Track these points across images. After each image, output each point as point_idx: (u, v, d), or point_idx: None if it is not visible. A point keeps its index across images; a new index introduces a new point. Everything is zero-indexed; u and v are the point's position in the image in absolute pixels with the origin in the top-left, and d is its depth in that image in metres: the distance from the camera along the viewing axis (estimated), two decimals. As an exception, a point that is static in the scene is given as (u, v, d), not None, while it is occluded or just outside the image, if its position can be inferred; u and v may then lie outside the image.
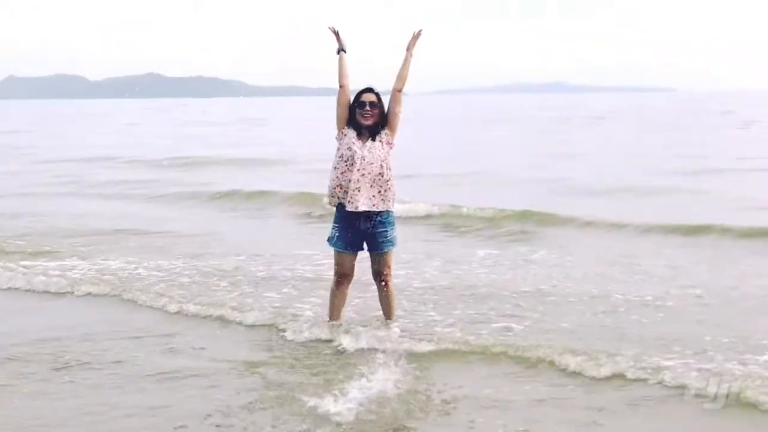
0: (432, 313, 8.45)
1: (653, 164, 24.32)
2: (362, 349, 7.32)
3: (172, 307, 8.95)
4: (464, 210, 15.04)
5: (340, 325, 7.95)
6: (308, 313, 8.51)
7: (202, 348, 7.61)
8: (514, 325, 7.95)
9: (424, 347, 7.37)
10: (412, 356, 7.14)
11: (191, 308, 8.88)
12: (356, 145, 7.62)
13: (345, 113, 7.76)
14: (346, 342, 7.50)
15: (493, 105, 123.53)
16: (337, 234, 7.83)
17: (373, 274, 8.02)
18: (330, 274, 8.10)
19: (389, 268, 7.93)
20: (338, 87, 7.79)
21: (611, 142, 34.74)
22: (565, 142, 34.69)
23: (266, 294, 9.42)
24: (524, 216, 14.30)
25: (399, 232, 7.91)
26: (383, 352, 7.18)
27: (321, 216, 15.10)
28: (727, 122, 53.40)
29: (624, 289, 9.20)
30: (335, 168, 7.70)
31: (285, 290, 9.57)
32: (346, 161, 7.62)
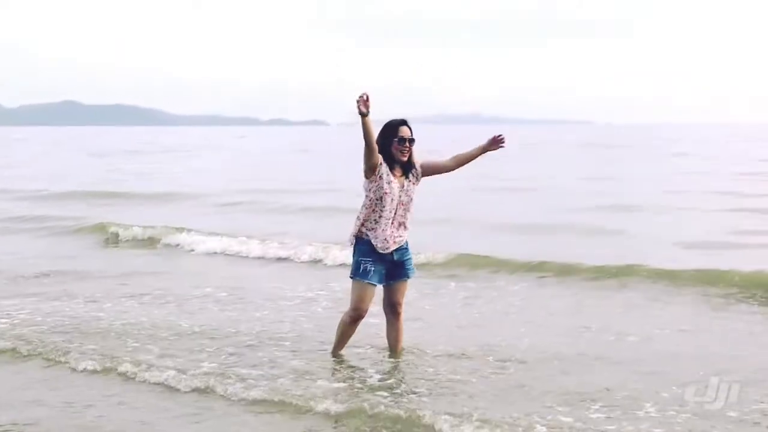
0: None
1: (562, 200, 24.29)
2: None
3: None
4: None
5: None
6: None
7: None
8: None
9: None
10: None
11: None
12: (394, 187, 7.48)
13: (377, 165, 7.46)
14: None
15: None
16: (372, 268, 7.54)
17: (387, 306, 7.88)
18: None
19: (404, 297, 7.87)
20: (368, 148, 7.38)
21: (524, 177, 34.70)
22: (482, 176, 34.67)
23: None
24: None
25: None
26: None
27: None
28: (642, 155, 54.35)
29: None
30: (367, 208, 7.53)
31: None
32: (379, 200, 7.47)
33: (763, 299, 10.55)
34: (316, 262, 14.02)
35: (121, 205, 24.14)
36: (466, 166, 7.84)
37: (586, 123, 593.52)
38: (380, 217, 7.51)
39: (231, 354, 8.29)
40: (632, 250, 14.54)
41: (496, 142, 7.63)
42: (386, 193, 7.46)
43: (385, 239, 7.52)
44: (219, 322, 9.67)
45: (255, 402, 6.94)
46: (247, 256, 14.89)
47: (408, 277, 7.81)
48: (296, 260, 14.21)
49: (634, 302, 10.79)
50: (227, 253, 15.28)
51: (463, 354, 8.16)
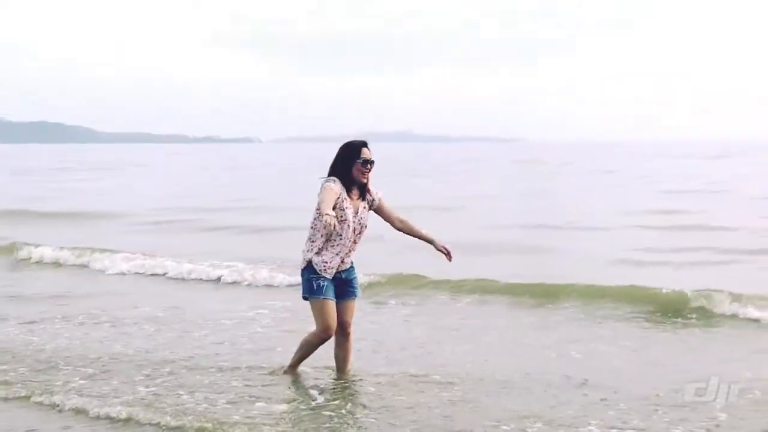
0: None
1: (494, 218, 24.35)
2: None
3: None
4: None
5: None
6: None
7: None
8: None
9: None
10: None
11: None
12: (349, 214, 7.36)
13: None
14: None
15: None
16: (325, 284, 7.41)
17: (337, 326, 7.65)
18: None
19: (353, 317, 7.74)
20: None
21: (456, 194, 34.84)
22: (413, 194, 34.74)
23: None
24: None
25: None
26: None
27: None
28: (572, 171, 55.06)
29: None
30: (323, 236, 7.37)
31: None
32: (339, 232, 7.34)
33: (690, 316, 10.70)
34: (238, 283, 13.77)
35: (40, 225, 23.44)
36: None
37: (519, 140, 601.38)
38: (336, 244, 7.41)
39: (168, 377, 8.04)
40: (564, 267, 14.70)
41: (445, 253, 7.64)
42: (343, 220, 7.35)
43: (337, 265, 7.46)
44: (155, 344, 9.46)
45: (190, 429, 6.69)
46: (180, 277, 14.43)
47: (355, 296, 7.72)
48: (228, 280, 13.89)
49: (573, 319, 10.84)
50: (152, 273, 14.85)
51: (407, 374, 8.06)
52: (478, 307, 11.67)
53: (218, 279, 13.99)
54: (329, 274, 7.43)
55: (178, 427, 6.67)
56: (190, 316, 11.04)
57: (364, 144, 7.49)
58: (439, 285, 12.78)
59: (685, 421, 6.68)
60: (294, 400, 7.36)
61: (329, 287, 7.46)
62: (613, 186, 39.93)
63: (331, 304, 7.50)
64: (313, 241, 7.45)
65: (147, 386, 7.74)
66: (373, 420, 6.82)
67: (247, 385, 7.72)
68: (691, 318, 10.63)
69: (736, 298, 10.80)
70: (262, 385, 7.74)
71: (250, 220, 24.18)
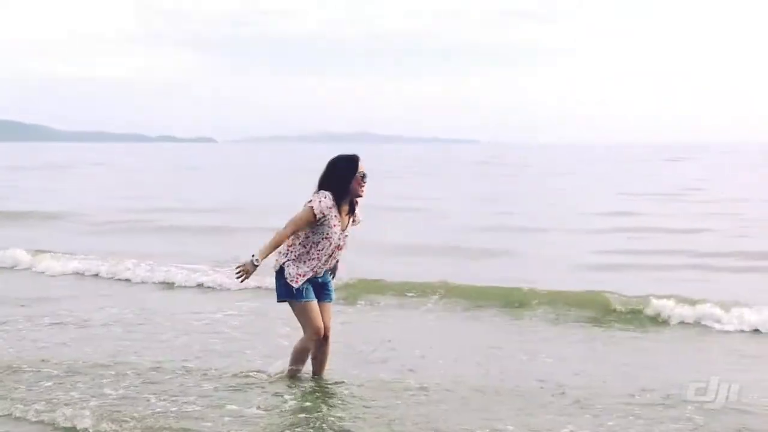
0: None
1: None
2: None
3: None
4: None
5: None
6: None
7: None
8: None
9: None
10: None
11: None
12: (336, 232, 7.29)
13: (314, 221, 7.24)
14: None
15: (301, 154, 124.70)
16: (305, 286, 7.35)
17: None
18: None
19: (331, 320, 7.71)
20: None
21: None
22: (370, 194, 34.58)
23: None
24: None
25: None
26: None
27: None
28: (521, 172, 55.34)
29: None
30: (303, 246, 7.30)
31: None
32: (316, 244, 7.30)
33: (648, 321, 10.82)
34: (201, 286, 13.52)
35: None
36: None
37: (473, 142, 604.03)
38: (314, 258, 7.36)
39: (136, 380, 7.87)
40: (524, 270, 14.67)
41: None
42: (327, 237, 7.30)
43: (311, 276, 7.39)
44: (122, 347, 9.29)
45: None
46: (141, 281, 14.02)
47: (331, 300, 7.67)
48: (193, 283, 13.59)
49: (540, 322, 10.87)
50: (105, 275, 14.45)
51: (379, 378, 8.00)
52: (444, 311, 11.58)
53: (184, 282, 13.67)
54: (299, 284, 7.36)
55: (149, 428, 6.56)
56: (157, 319, 10.86)
57: (359, 158, 7.43)
58: (402, 288, 12.64)
59: (661, 424, 6.70)
60: (266, 403, 7.24)
61: (309, 289, 7.40)
62: (568, 188, 40.33)
63: (316, 306, 7.46)
64: (290, 246, 7.36)
65: (115, 390, 7.57)
66: (348, 424, 6.76)
67: (216, 389, 7.61)
68: (655, 322, 10.72)
69: (688, 302, 10.92)
70: (234, 389, 7.62)
71: (207, 220, 23.89)
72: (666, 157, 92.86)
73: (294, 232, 7.22)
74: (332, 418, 6.86)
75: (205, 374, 8.07)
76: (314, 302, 7.45)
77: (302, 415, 6.90)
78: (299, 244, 7.31)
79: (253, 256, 7.09)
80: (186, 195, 35.17)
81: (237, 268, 7.20)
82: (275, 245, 7.20)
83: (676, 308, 10.78)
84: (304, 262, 7.32)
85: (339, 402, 7.32)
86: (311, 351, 7.68)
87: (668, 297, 11.05)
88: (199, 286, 13.48)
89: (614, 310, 11.10)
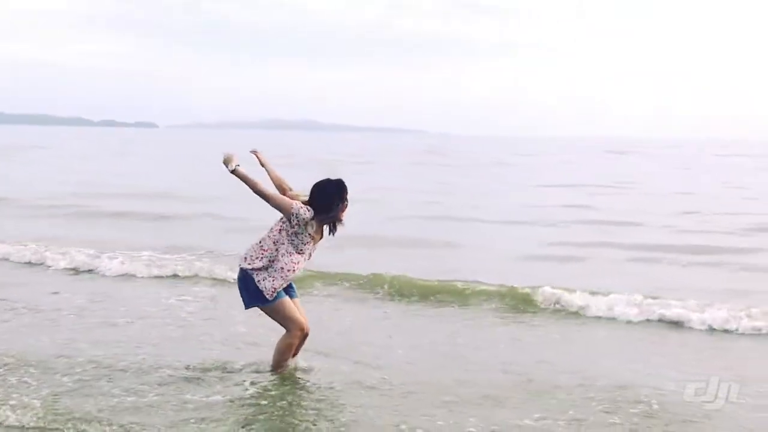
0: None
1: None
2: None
3: None
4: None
5: None
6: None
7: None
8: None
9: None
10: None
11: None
12: (309, 248, 7.41)
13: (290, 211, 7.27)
14: None
15: (245, 141, 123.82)
16: (276, 284, 7.36)
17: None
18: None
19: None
20: (262, 197, 7.27)
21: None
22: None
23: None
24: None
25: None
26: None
27: None
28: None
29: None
30: (282, 254, 7.31)
31: None
32: (290, 254, 7.32)
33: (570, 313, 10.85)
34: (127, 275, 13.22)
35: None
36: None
37: (420, 132, 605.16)
38: (288, 270, 7.35)
39: (89, 370, 7.72)
40: (467, 262, 14.77)
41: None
42: (301, 252, 7.38)
43: (282, 282, 7.38)
44: (77, 334, 9.16)
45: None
46: (87, 268, 13.59)
47: (297, 296, 7.70)
48: (142, 272, 13.22)
49: (487, 313, 10.87)
50: (50, 262, 14.02)
51: (340, 369, 7.98)
52: (391, 302, 11.54)
53: (136, 270, 13.30)
54: (273, 296, 7.39)
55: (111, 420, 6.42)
56: (110, 306, 10.72)
57: (345, 184, 7.51)
58: (340, 278, 12.55)
59: (620, 409, 6.83)
60: (223, 392, 7.16)
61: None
62: (505, 179, 40.86)
63: (290, 301, 7.51)
64: (264, 249, 7.35)
65: (70, 377, 7.46)
66: (311, 412, 6.76)
67: (173, 377, 7.54)
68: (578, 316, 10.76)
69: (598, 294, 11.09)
70: (191, 378, 7.55)
71: (148, 207, 23.42)
72: (610, 150, 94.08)
73: (266, 198, 7.22)
74: (295, 408, 6.84)
75: (161, 363, 7.97)
76: (287, 298, 7.47)
77: (263, 402, 6.89)
78: (274, 252, 7.33)
79: (238, 165, 7.10)
80: (122, 180, 34.38)
81: (226, 154, 7.14)
82: (252, 184, 7.15)
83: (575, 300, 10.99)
84: (279, 272, 7.30)
85: (301, 390, 7.31)
86: (295, 345, 7.61)
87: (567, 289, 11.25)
88: (153, 274, 13.17)
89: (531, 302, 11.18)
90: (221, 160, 7.12)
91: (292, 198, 7.40)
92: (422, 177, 40.65)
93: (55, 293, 11.61)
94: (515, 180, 40.18)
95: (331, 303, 11.40)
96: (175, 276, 12.99)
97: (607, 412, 6.75)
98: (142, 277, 12.97)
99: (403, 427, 6.38)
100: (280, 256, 7.31)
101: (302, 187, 7.60)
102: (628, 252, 16.24)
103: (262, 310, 7.50)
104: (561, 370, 8.03)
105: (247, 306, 7.51)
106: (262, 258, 7.33)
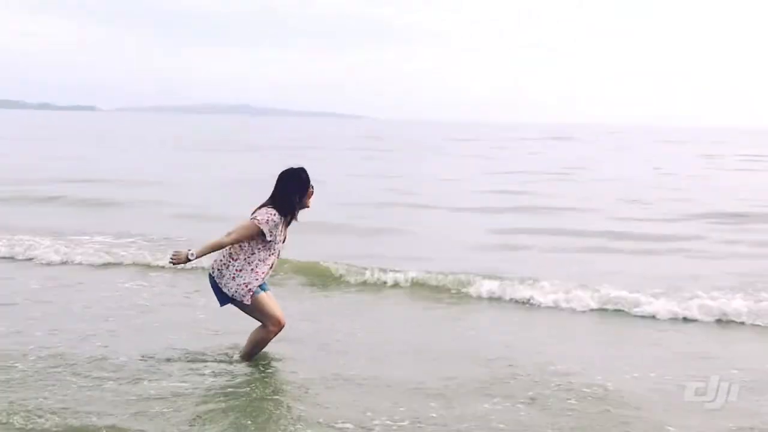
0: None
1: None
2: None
3: None
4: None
5: None
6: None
7: None
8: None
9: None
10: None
11: None
12: (280, 246, 7.45)
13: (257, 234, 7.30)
14: None
15: (172, 124, 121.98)
16: (251, 286, 7.38)
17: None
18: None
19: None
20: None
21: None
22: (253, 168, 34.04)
23: None
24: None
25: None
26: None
27: None
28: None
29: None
30: (249, 260, 7.32)
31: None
32: (263, 261, 7.35)
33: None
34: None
35: None
36: None
37: (357, 117, 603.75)
38: (261, 272, 7.38)
39: (46, 359, 7.59)
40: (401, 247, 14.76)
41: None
42: (273, 253, 7.42)
43: (257, 283, 7.40)
44: (34, 322, 8.98)
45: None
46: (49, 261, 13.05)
47: (268, 288, 7.68)
48: (96, 259, 13.00)
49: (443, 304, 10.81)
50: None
51: (302, 353, 8.03)
52: (345, 292, 11.42)
53: (84, 258, 13.02)
54: (249, 298, 7.40)
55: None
56: (67, 294, 10.56)
57: (306, 172, 7.51)
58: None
59: (572, 390, 7.04)
60: (187, 381, 7.11)
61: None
62: (445, 164, 40.98)
63: (266, 295, 7.51)
64: (235, 259, 7.34)
65: (28, 368, 7.32)
66: (269, 403, 6.71)
67: (134, 366, 7.47)
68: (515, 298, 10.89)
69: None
70: (153, 366, 7.49)
71: (82, 191, 23.03)
72: (553, 137, 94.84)
73: (236, 242, 7.25)
74: (267, 400, 6.78)
75: (120, 351, 7.89)
76: (263, 293, 7.49)
77: (229, 392, 6.85)
78: (244, 259, 7.33)
79: (189, 251, 7.11)
80: (61, 165, 33.57)
81: (173, 254, 7.20)
82: (213, 248, 7.23)
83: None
84: (252, 273, 7.33)
85: (264, 379, 7.28)
86: (269, 340, 7.61)
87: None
88: (105, 261, 12.94)
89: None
90: (176, 262, 7.18)
91: (250, 219, 7.31)
92: (361, 163, 40.42)
93: (9, 279, 11.46)
94: (455, 166, 40.27)
95: (287, 291, 11.16)
96: (122, 264, 12.75)
97: (565, 399, 6.83)
98: (93, 265, 12.73)
99: (369, 414, 6.40)
100: (252, 261, 7.31)
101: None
102: (563, 239, 16.34)
103: (237, 307, 7.49)
104: (512, 357, 8.07)
105: (222, 304, 7.51)
106: (230, 266, 7.33)
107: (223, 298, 7.43)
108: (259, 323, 7.57)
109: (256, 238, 7.25)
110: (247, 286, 7.30)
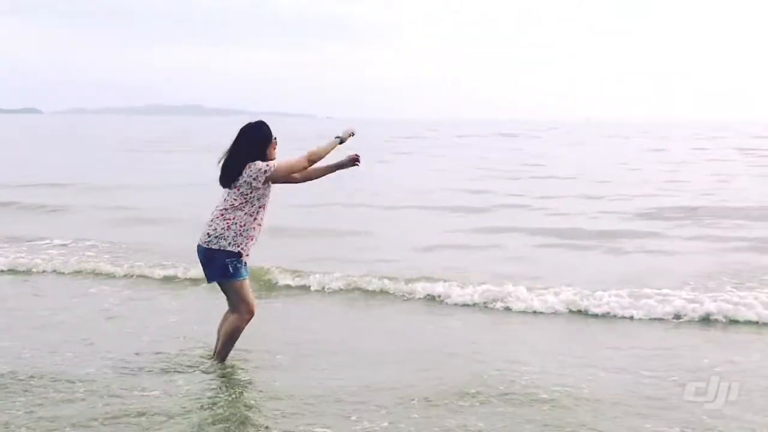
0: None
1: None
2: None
3: None
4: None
5: None
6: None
7: None
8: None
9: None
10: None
11: None
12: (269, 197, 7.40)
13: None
14: None
15: (114, 126, 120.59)
16: (242, 264, 7.30)
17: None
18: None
19: None
20: (307, 163, 7.32)
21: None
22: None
23: None
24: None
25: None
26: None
27: None
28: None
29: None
30: (248, 215, 7.23)
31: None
32: (261, 208, 7.31)
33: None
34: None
35: None
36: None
37: (309, 116, 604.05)
38: (258, 225, 7.35)
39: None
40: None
41: (353, 161, 7.50)
42: (269, 201, 7.38)
43: (250, 248, 7.36)
44: None
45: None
46: None
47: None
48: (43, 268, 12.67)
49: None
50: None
51: (275, 360, 7.97)
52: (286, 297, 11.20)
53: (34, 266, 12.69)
54: (246, 256, 7.33)
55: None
56: (29, 302, 10.41)
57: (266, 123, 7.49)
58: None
59: (540, 391, 6.95)
60: (160, 392, 6.93)
61: (245, 267, 7.35)
62: (398, 163, 41.04)
63: (249, 284, 7.47)
64: (227, 219, 7.19)
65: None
66: (241, 408, 6.62)
67: (101, 372, 7.34)
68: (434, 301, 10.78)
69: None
70: (121, 371, 7.36)
71: (34, 197, 22.57)
72: (502, 133, 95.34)
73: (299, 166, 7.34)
74: (236, 404, 6.71)
75: (89, 361, 7.75)
76: (248, 279, 7.43)
77: (200, 403, 6.70)
78: (247, 216, 7.21)
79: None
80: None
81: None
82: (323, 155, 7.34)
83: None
84: (254, 229, 7.26)
85: (238, 389, 7.13)
86: (243, 329, 7.51)
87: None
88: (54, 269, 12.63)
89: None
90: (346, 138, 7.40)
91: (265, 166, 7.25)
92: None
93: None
94: (407, 165, 40.34)
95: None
96: (81, 272, 12.44)
97: (532, 402, 6.71)
98: (47, 272, 12.47)
99: (353, 418, 6.34)
100: (247, 221, 7.22)
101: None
102: (508, 236, 16.33)
103: (222, 285, 7.37)
104: (474, 361, 7.95)
105: (210, 280, 7.42)
106: (227, 229, 7.18)
107: (212, 274, 7.30)
108: (228, 312, 7.50)
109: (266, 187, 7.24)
110: (245, 252, 7.24)
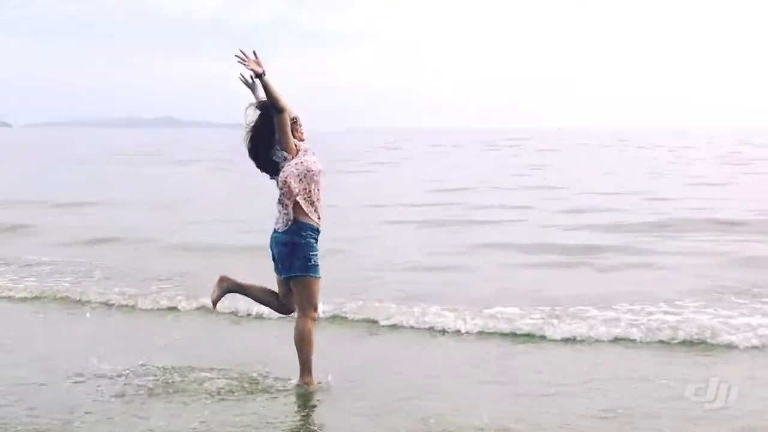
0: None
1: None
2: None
3: None
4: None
5: None
6: None
7: None
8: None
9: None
10: None
11: None
12: (318, 162, 6.97)
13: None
14: None
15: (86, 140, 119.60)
16: (318, 262, 6.94)
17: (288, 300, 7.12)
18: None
19: None
20: (280, 111, 6.72)
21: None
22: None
23: None
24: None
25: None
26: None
27: None
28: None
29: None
30: (304, 191, 6.79)
31: None
32: (312, 178, 6.84)
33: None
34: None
35: None
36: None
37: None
38: (317, 199, 6.93)
39: None
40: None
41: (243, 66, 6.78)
42: (318, 168, 6.95)
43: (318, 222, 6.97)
44: None
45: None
46: None
47: None
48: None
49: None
50: None
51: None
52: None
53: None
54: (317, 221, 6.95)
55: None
56: None
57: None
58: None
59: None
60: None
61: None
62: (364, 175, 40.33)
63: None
64: (296, 203, 6.80)
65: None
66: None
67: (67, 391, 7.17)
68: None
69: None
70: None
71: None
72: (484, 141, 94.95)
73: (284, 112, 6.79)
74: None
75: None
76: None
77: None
78: (303, 192, 6.82)
79: (264, 74, 6.62)
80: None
81: (245, 55, 6.63)
82: (276, 94, 6.67)
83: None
84: (313, 204, 6.89)
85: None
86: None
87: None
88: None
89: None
90: (252, 62, 6.61)
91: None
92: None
93: None
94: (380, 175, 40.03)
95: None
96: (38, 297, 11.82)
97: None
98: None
99: None
100: (308, 195, 6.85)
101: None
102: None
103: (294, 281, 6.85)
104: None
105: (288, 274, 6.86)
106: (288, 214, 6.79)
107: (292, 266, 6.82)
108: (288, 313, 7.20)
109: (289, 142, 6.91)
110: (313, 223, 6.93)
